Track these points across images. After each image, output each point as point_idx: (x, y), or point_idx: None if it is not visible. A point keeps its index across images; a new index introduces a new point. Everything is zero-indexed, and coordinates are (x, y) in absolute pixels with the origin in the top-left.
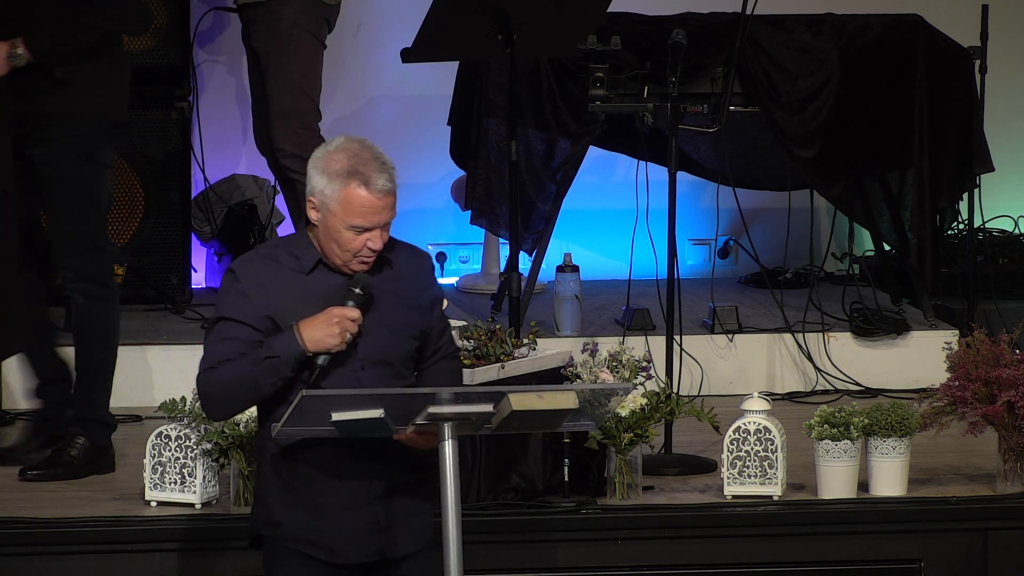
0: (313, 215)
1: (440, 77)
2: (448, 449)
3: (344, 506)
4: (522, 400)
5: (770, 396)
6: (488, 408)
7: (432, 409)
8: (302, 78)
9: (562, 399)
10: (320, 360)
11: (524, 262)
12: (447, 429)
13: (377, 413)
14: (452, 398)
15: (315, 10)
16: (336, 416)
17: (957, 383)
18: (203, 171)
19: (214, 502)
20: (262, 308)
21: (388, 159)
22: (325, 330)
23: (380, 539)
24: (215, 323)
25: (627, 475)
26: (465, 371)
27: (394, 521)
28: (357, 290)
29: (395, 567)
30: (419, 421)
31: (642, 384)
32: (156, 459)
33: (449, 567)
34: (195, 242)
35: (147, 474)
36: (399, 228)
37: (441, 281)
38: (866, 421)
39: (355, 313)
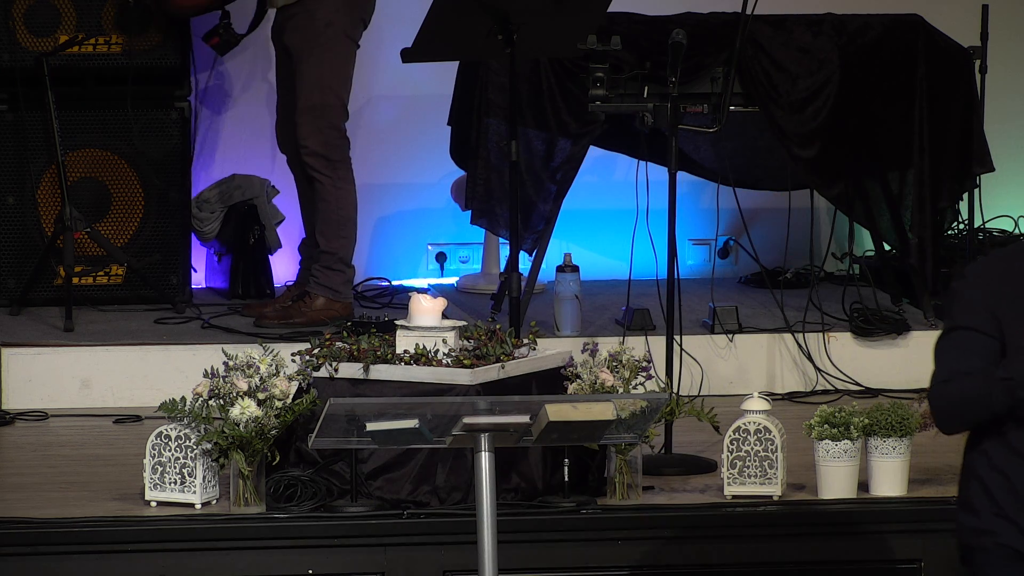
0: None
1: (440, 77)
2: (484, 461)
3: None
4: (559, 411)
5: (770, 396)
6: (524, 419)
7: (468, 420)
8: (332, 76)
9: (598, 410)
10: None
11: (524, 262)
12: (484, 440)
13: (411, 423)
14: (488, 408)
15: (351, 9)
16: (371, 426)
17: None
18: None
19: (214, 502)
20: (992, 311)
21: None
22: None
23: None
24: (949, 331)
25: (627, 475)
26: (465, 371)
27: None
28: None
29: None
30: (455, 432)
31: (642, 384)
32: (156, 459)
33: None
34: (195, 242)
35: (147, 474)
36: (399, 227)
37: (441, 281)
38: (866, 421)
39: None
